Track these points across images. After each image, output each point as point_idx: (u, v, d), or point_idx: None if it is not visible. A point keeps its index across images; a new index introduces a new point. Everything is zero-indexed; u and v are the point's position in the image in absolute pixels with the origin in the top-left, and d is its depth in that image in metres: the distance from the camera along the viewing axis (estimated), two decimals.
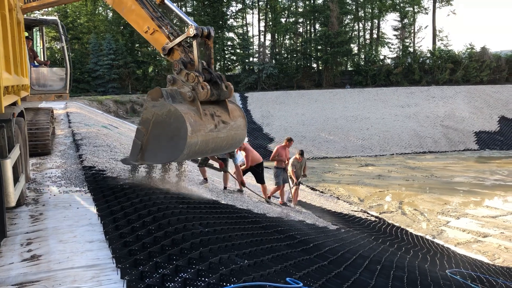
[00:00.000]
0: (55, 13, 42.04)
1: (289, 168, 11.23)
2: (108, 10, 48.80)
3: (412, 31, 49.62)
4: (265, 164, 11.38)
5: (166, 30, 5.46)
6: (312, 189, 18.14)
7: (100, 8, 49.75)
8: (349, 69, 49.97)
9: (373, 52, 48.81)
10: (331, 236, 7.60)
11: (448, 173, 23.32)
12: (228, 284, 2.96)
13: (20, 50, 5.60)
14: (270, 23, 51.19)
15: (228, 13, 51.00)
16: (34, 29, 11.05)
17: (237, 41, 49.88)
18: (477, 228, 13.30)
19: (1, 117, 3.92)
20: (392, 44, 49.87)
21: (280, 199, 11.10)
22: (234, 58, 50.20)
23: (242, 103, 38.17)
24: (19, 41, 5.58)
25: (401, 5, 49.19)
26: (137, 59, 44.68)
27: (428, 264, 7.70)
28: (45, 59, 11.09)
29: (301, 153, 11.39)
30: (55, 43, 40.65)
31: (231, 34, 50.69)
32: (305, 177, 11.84)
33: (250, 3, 52.29)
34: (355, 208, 15.07)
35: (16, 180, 4.06)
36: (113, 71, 40.59)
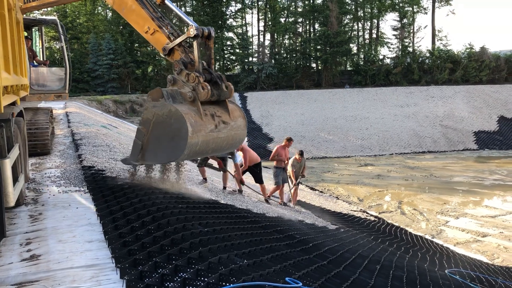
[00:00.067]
0: (54, 13, 42.07)
1: (289, 168, 11.23)
2: (107, 10, 48.78)
3: (412, 31, 49.68)
4: (265, 164, 11.38)
5: (166, 31, 5.46)
6: (312, 188, 18.15)
7: (100, 8, 49.75)
8: (349, 69, 49.97)
9: (373, 52, 48.85)
10: (330, 236, 7.60)
11: (447, 173, 23.34)
12: (228, 284, 2.96)
13: (19, 50, 5.60)
14: (270, 23, 51.19)
15: (227, 13, 51.03)
16: (33, 29, 11.04)
17: (237, 41, 49.88)
18: (476, 228, 13.31)
19: (0, 117, 3.92)
20: (392, 44, 50.01)
21: (279, 199, 11.11)
22: (234, 58, 50.22)
23: (242, 103, 38.18)
24: (18, 41, 5.57)
25: (401, 5, 49.20)
26: (137, 59, 44.67)
27: (428, 264, 7.70)
28: (44, 59, 11.09)
29: (301, 153, 11.40)
30: (55, 43, 40.66)
31: (230, 34, 50.74)
32: (303, 177, 11.85)
33: (249, 3, 52.30)
34: (354, 207, 15.07)
35: (15, 180, 4.06)
36: (112, 71, 40.56)
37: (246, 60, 47.53)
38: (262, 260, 3.93)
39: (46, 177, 6.47)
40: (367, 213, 14.37)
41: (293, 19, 51.27)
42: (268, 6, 51.22)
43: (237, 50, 49.45)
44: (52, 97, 9.97)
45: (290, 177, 11.36)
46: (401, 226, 12.99)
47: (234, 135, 5.46)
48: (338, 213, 12.68)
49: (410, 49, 48.69)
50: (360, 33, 52.86)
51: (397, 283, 5.14)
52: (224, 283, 2.98)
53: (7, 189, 3.69)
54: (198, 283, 2.89)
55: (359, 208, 15.24)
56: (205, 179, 9.44)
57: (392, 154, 31.33)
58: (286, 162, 10.99)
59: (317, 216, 10.78)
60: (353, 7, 51.04)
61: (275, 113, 37.08)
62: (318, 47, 48.20)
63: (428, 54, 46.55)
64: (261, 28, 52.31)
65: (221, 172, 9.68)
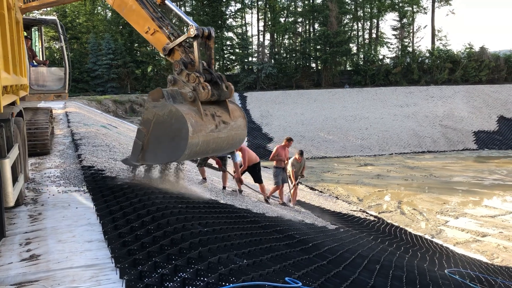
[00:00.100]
0: (54, 13, 42.01)
1: (289, 168, 11.23)
2: (107, 10, 48.79)
3: (411, 31, 49.70)
4: (265, 164, 11.38)
5: (166, 31, 5.46)
6: (311, 188, 18.15)
7: (99, 7, 49.77)
8: (348, 68, 49.99)
9: (372, 52, 48.85)
10: (330, 236, 7.60)
11: (447, 173, 23.35)
12: (227, 284, 2.96)
13: (19, 50, 5.60)
14: (269, 23, 51.19)
15: (227, 12, 51.05)
16: (32, 29, 11.04)
17: (236, 40, 49.89)
18: (476, 228, 13.31)
19: (0, 117, 3.92)
20: (391, 44, 49.99)
21: (279, 199, 11.11)
22: (233, 57, 50.22)
23: (241, 102, 38.18)
24: (18, 41, 5.57)
25: (400, 4, 49.22)
26: (136, 59, 44.66)
27: (427, 264, 7.70)
28: (44, 59, 11.09)
29: (301, 153, 11.39)
30: (54, 42, 40.70)
31: (230, 34, 50.76)
32: (303, 177, 11.85)
33: (249, 3, 52.31)
34: (354, 207, 15.07)
35: (15, 180, 4.06)
36: (112, 70, 40.56)
37: (245, 60, 47.52)
38: (262, 260, 3.93)
39: (46, 177, 6.46)
40: (366, 213, 14.37)
41: (292, 19, 51.29)
42: (267, 6, 51.22)
43: (237, 50, 49.46)
44: (52, 97, 9.98)
45: (290, 177, 11.36)
46: (401, 226, 12.99)
47: (235, 135, 5.47)
48: (337, 213, 12.68)
49: (410, 49, 48.70)
50: (360, 33, 52.96)
51: (397, 283, 5.14)
52: (223, 283, 2.98)
53: (7, 189, 3.68)
54: (198, 283, 2.89)
55: (358, 208, 15.23)
56: (204, 179, 9.44)
57: (392, 154, 31.34)
58: (286, 162, 10.98)
59: (316, 216, 10.78)
60: (353, 7, 51.05)
61: (274, 113, 37.08)
62: (318, 47, 48.20)
63: (427, 54, 46.57)
64: (261, 28, 52.39)
65: (221, 172, 9.69)
